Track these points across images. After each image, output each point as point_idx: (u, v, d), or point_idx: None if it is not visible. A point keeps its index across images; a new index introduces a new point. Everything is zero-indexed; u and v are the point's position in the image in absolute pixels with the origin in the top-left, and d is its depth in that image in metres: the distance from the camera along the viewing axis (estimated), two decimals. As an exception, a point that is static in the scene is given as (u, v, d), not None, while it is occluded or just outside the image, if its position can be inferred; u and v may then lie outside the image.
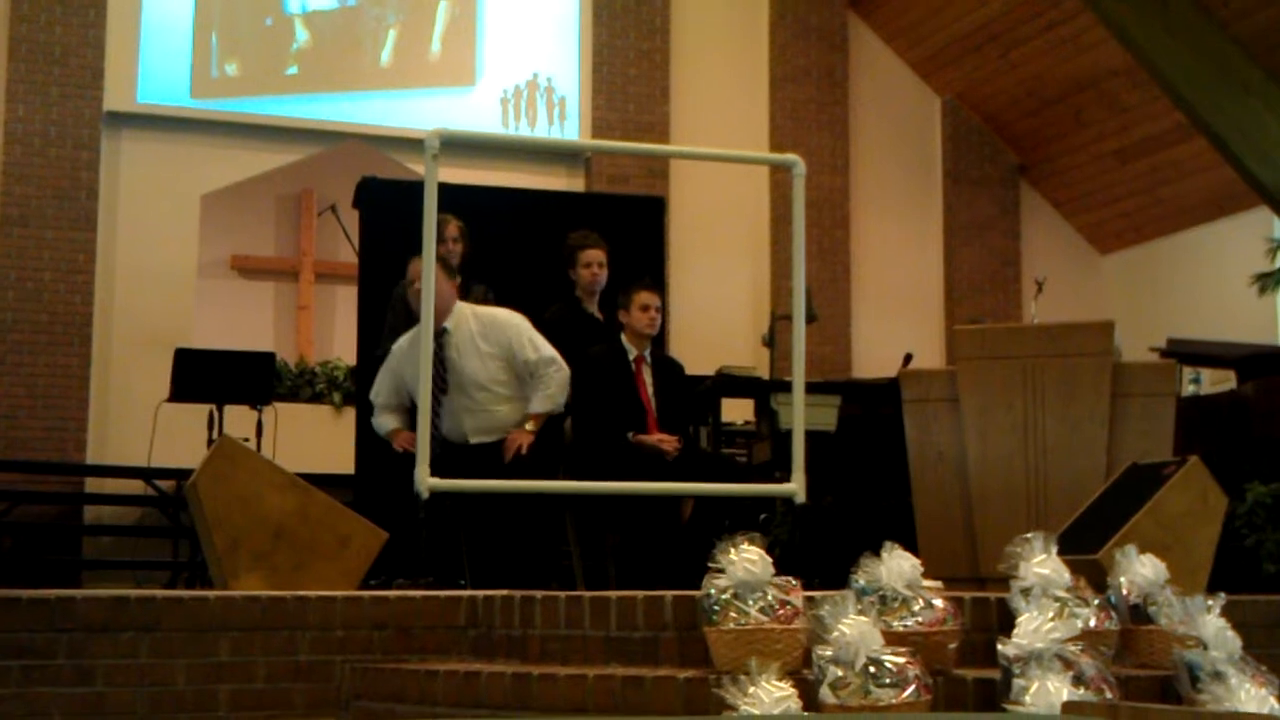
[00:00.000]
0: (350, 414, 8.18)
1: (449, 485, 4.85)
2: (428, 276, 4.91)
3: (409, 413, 5.73)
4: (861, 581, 3.28)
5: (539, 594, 3.83)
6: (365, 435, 7.25)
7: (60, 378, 9.69)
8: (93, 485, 9.72)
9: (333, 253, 11.21)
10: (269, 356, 8.93)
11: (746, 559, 3.20)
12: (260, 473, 4.66)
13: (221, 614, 3.83)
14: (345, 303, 10.96)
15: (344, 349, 10.15)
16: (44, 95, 9.84)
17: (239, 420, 8.19)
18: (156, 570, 9.02)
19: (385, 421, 5.94)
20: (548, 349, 5.79)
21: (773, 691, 2.85)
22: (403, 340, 5.86)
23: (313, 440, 9.13)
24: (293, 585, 4.35)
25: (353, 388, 8.76)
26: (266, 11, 10.56)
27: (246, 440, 6.87)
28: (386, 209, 7.52)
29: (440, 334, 5.64)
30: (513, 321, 5.83)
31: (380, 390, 5.96)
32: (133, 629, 3.74)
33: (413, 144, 7.99)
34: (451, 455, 5.64)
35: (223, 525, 4.52)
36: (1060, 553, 3.43)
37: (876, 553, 3.30)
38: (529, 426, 5.73)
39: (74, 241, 9.78)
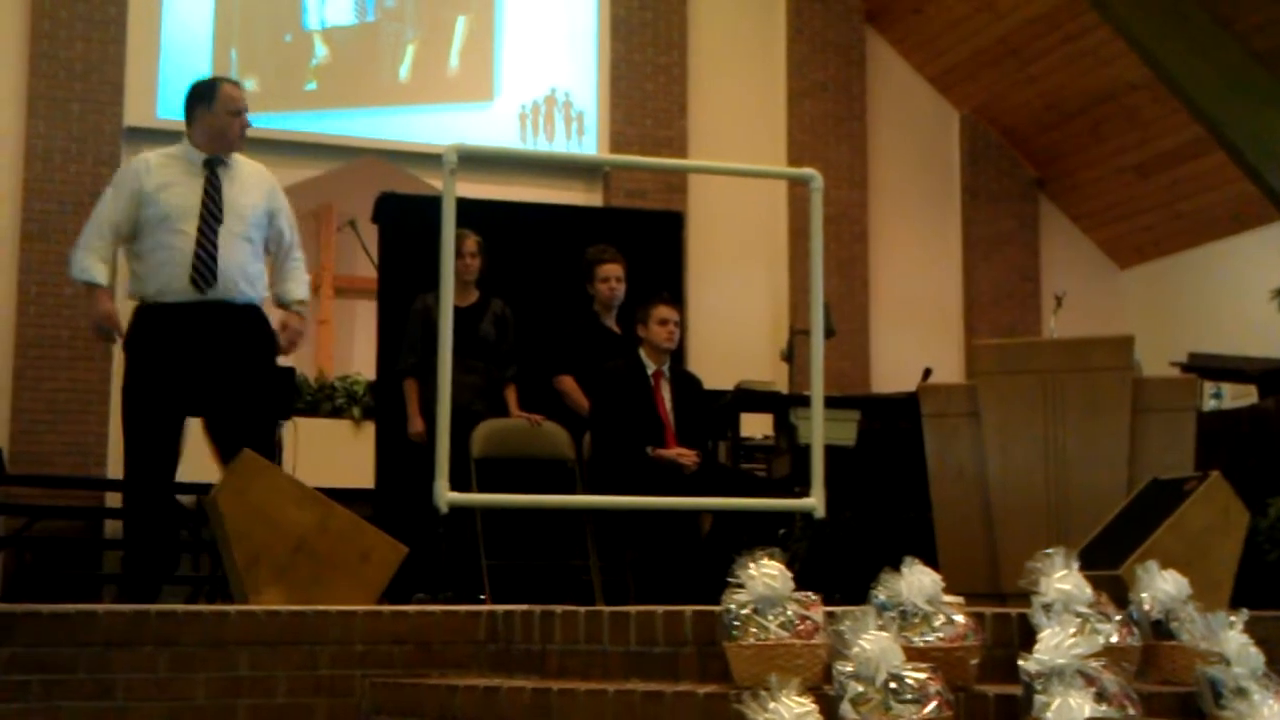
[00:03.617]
0: (370, 429, 8.19)
1: (469, 500, 4.85)
2: (445, 293, 4.92)
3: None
4: (882, 597, 3.27)
5: (558, 609, 3.82)
6: (385, 449, 7.29)
7: (81, 392, 9.72)
8: (113, 500, 9.73)
9: (352, 267, 11.23)
10: (289, 371, 8.95)
11: (766, 574, 3.19)
12: (280, 487, 4.67)
13: (242, 628, 3.83)
14: (364, 317, 10.98)
15: (363, 364, 10.15)
16: (64, 111, 9.89)
17: (259, 435, 8.19)
18: (177, 585, 9.02)
19: (93, 269, 5.18)
20: (297, 236, 5.57)
21: (793, 707, 2.84)
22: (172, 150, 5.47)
23: (332, 455, 9.13)
24: (313, 600, 4.35)
25: (372, 402, 8.79)
26: (285, 28, 10.61)
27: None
28: (405, 224, 7.55)
29: (214, 163, 5.42)
30: (281, 193, 5.58)
31: (103, 217, 5.25)
32: (153, 643, 3.74)
33: (431, 159, 7.98)
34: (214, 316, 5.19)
35: (243, 540, 4.52)
36: (1081, 568, 3.41)
37: (897, 568, 3.29)
38: (300, 310, 5.49)
39: (95, 257, 9.81)
